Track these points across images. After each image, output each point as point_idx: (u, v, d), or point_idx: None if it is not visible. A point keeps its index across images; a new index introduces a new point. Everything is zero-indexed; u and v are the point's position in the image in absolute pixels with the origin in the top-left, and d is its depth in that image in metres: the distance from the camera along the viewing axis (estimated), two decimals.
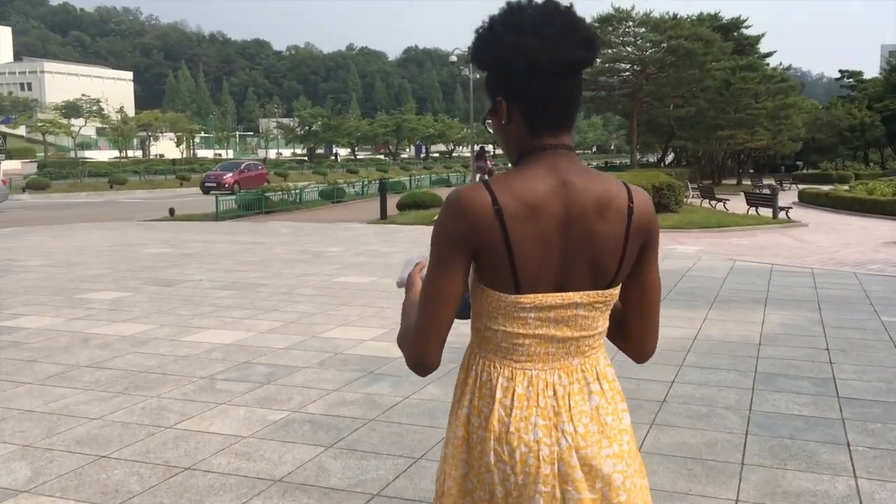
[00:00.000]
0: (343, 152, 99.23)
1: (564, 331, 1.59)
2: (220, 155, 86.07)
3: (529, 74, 1.53)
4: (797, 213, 24.53)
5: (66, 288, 9.57)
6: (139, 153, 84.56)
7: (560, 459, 1.55)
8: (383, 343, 6.64)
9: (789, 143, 44.08)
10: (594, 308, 1.60)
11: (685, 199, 25.97)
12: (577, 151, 67.64)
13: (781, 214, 23.47)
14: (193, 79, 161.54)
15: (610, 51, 38.17)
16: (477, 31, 1.60)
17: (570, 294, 1.57)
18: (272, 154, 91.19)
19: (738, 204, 28.35)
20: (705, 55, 36.96)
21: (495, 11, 1.60)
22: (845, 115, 54.22)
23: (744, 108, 39.58)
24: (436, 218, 1.59)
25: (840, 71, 78.01)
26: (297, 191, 25.01)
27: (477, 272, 1.59)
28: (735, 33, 46.51)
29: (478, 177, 28.99)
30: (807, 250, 16.18)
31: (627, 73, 40.86)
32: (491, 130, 1.68)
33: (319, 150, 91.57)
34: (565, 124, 1.60)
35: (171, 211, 21.67)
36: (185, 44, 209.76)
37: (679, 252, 14.71)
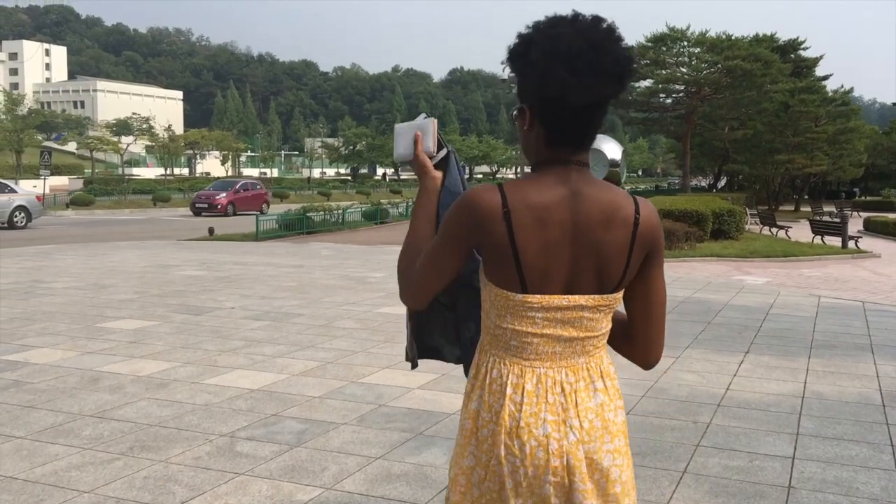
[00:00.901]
0: (388, 172, 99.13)
1: (570, 331, 1.67)
2: (265, 173, 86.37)
3: (558, 104, 1.61)
4: (865, 243, 23.10)
5: (88, 315, 8.81)
6: (185, 171, 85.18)
7: (568, 453, 1.63)
8: (434, 393, 5.70)
9: (850, 168, 42.31)
10: (598, 311, 1.68)
11: (745, 226, 24.68)
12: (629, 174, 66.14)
13: (850, 244, 22.10)
14: (241, 98, 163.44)
15: (664, 71, 37.03)
16: (518, 37, 1.66)
17: (577, 297, 1.65)
18: (316, 173, 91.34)
19: (800, 232, 26.95)
20: (763, 76, 35.58)
21: (541, 18, 1.67)
22: None
23: (803, 132, 38.04)
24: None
25: None
26: (340, 211, 24.28)
27: (485, 269, 1.69)
28: (792, 55, 45.01)
29: None
30: (890, 284, 14.89)
31: (681, 94, 39.57)
32: (515, 125, 1.76)
33: (363, 170, 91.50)
34: (583, 144, 1.68)
35: (211, 230, 21.06)
36: (234, 64, 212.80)
37: (749, 284, 13.56)
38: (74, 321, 8.42)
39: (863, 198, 51.43)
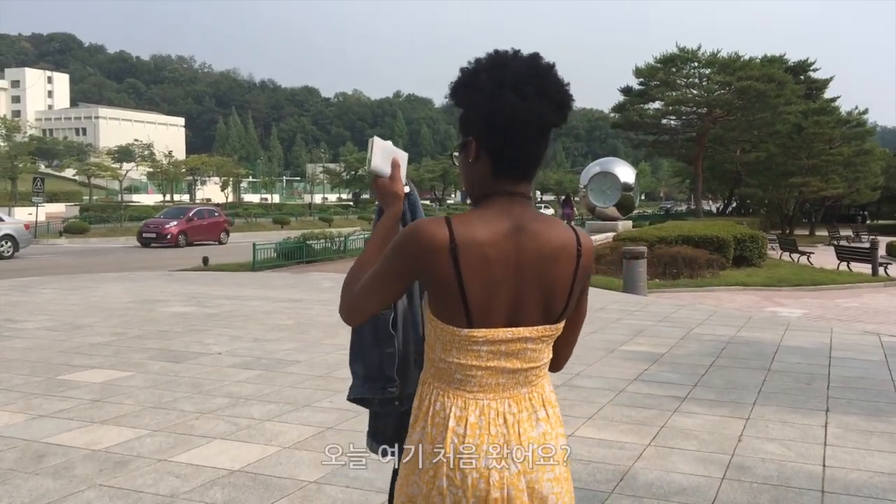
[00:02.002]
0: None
1: (514, 363, 1.71)
2: (265, 199, 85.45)
3: (505, 130, 1.67)
4: (893, 269, 21.92)
5: (53, 363, 7.66)
6: (186, 197, 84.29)
7: (509, 484, 1.65)
8: None
9: (866, 191, 41.22)
10: (542, 341, 1.74)
11: (767, 252, 23.54)
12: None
13: (880, 271, 20.95)
14: (243, 125, 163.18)
15: (674, 93, 36.06)
16: (462, 71, 1.72)
17: (521, 329, 1.70)
18: (318, 199, 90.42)
19: (822, 258, 25.79)
20: (777, 97, 34.65)
21: (482, 55, 1.73)
22: None
23: (817, 154, 37.02)
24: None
25: None
26: (342, 238, 23.15)
27: (430, 305, 1.71)
28: (802, 76, 44.15)
29: (566, 221, 27.24)
30: None
31: (692, 116, 38.56)
32: (456, 163, 1.83)
33: (365, 196, 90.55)
34: (527, 175, 1.74)
35: (205, 260, 19.94)
36: (237, 90, 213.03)
37: (785, 318, 12.41)
38: (35, 372, 7.27)
39: (875, 221, 50.29)
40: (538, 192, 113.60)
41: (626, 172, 25.01)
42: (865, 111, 40.05)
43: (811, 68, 45.05)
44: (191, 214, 32.24)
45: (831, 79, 46.29)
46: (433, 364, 1.74)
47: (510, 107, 1.63)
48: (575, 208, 34.77)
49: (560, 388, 6.66)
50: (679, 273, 18.95)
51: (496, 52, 1.70)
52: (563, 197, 36.10)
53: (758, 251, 21.85)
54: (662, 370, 7.46)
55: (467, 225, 1.64)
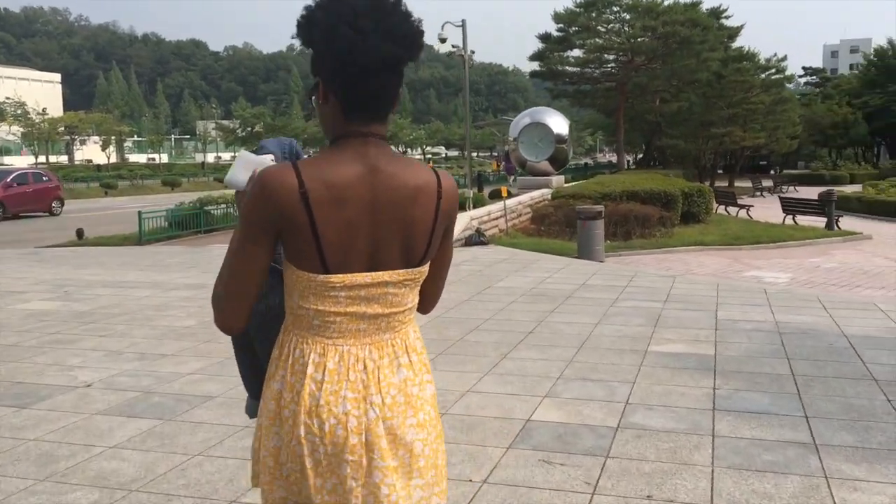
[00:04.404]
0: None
1: (375, 308, 1.66)
2: (153, 159, 79.84)
3: (341, 67, 1.59)
4: (843, 222, 20.75)
5: None
6: (64, 158, 77.79)
7: (367, 430, 1.62)
8: None
9: (786, 140, 40.55)
10: (404, 285, 1.69)
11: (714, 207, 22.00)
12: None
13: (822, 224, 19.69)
14: (126, 81, 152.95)
15: (598, 40, 34.04)
16: (305, 7, 1.63)
17: (380, 273, 1.65)
18: (210, 158, 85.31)
19: (761, 211, 24.55)
20: (702, 43, 33.06)
21: None
22: (826, 112, 51.16)
23: (738, 103, 35.92)
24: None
25: (803, 68, 75.90)
26: None
27: (286, 253, 1.64)
28: (715, 24, 42.92)
29: (511, 178, 24.81)
30: None
31: (612, 67, 36.65)
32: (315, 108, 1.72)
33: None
34: (378, 115, 1.66)
35: (80, 233, 16.64)
36: (117, 44, 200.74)
37: (779, 285, 10.59)
38: None
39: (789, 171, 50.24)
40: (443, 148, 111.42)
41: (558, 123, 22.86)
42: (784, 58, 39.30)
43: (724, 15, 43.87)
44: (9, 179, 26.06)
45: (742, 26, 45.36)
46: (292, 311, 1.70)
47: (347, 43, 1.57)
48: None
49: (624, 431, 4.39)
50: (631, 233, 17.05)
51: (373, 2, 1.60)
52: (495, 153, 33.86)
53: (705, 206, 20.25)
54: (739, 389, 5.28)
55: (317, 168, 1.59)
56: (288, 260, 1.65)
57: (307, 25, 1.61)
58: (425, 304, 1.87)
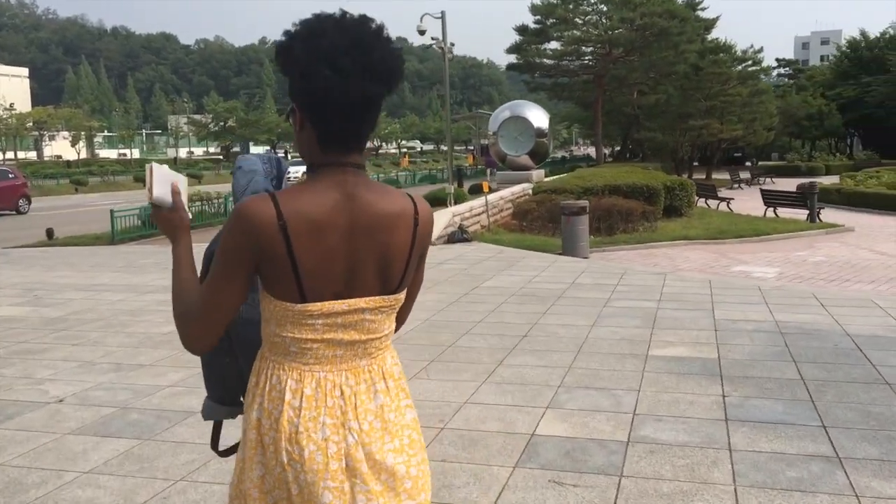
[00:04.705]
0: (259, 150, 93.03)
1: (352, 334, 1.65)
2: (124, 155, 78.62)
3: (319, 104, 1.58)
4: (825, 214, 20.73)
5: None
6: (33, 154, 76.39)
7: (348, 455, 1.62)
8: None
9: (763, 132, 40.59)
10: (380, 312, 1.68)
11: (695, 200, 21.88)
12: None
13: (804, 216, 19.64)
14: (95, 75, 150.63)
15: (575, 32, 33.79)
16: (284, 33, 1.60)
17: (356, 300, 1.64)
18: (183, 153, 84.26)
19: (741, 203, 24.50)
20: (680, 35, 32.94)
21: (306, 16, 1.61)
22: (801, 104, 51.41)
23: (715, 96, 35.88)
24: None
25: (777, 60, 76.25)
26: (220, 199, 19.73)
27: (263, 282, 1.63)
28: (692, 15, 42.88)
29: (489, 172, 24.62)
30: None
31: (589, 59, 36.41)
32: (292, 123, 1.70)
33: (236, 149, 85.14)
34: (355, 146, 1.65)
35: (49, 232, 16.11)
36: (86, 38, 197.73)
37: (768, 280, 10.42)
38: None
39: (764, 163, 50.41)
40: (418, 142, 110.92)
41: (538, 117, 22.59)
42: (760, 49, 39.35)
43: (699, 7, 43.85)
44: None
45: (717, 18, 45.39)
46: (268, 339, 1.68)
47: (325, 83, 1.54)
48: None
49: (636, 446, 4.14)
50: (614, 227, 16.85)
51: (317, 17, 1.60)
52: (471, 146, 33.20)
53: (687, 200, 20.11)
54: (749, 396, 5.05)
55: (295, 199, 1.58)
56: (265, 289, 1.64)
57: (285, 57, 1.59)
58: (397, 326, 1.88)
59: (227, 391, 2.05)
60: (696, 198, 24.81)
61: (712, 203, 24.80)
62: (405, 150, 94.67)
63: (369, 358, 1.69)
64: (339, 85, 1.53)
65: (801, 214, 19.96)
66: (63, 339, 7.05)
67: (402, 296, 1.72)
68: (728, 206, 23.73)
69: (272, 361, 1.66)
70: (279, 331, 1.63)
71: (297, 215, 1.55)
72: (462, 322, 7.41)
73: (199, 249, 1.72)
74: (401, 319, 1.86)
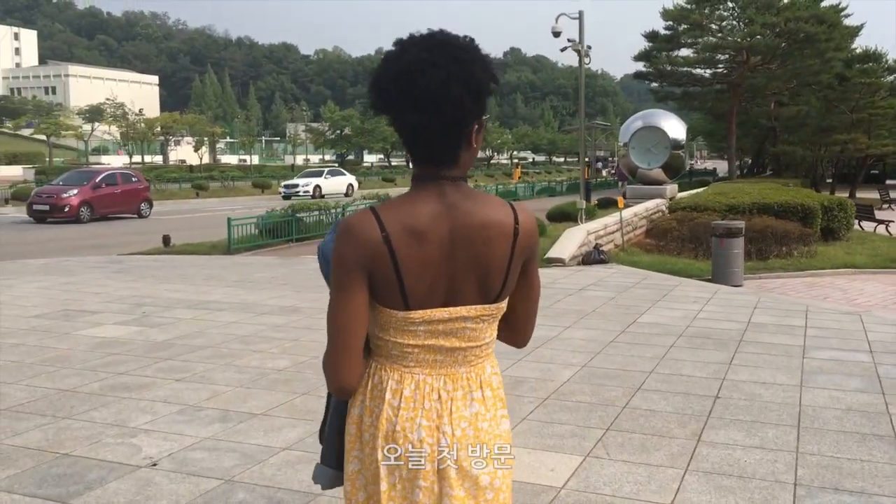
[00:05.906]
0: (373, 159, 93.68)
1: (453, 341, 1.68)
2: (244, 161, 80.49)
3: (415, 139, 1.64)
4: None
5: None
6: (159, 158, 79.20)
7: (439, 458, 1.64)
8: None
9: None
10: (482, 321, 1.70)
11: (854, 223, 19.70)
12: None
13: None
14: (220, 83, 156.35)
15: (710, 38, 31.69)
16: (374, 76, 1.63)
17: (458, 308, 1.66)
18: (300, 160, 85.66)
19: None
20: (827, 41, 30.36)
21: (391, 48, 1.62)
22: None
23: (863, 108, 32.95)
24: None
25: None
26: (339, 209, 18.99)
27: (369, 291, 1.66)
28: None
29: (620, 184, 23.39)
30: None
31: (722, 68, 34.13)
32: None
33: (350, 157, 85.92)
34: (450, 161, 1.66)
35: (166, 240, 15.66)
36: (212, 48, 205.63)
37: None
38: None
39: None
40: (530, 152, 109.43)
41: (674, 127, 20.91)
42: None
43: (843, 13, 40.72)
44: (98, 180, 24.93)
45: (862, 25, 42.07)
46: (372, 341, 1.72)
47: (416, 123, 1.60)
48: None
49: None
50: (766, 251, 15.07)
51: (400, 49, 1.61)
52: (598, 161, 31.54)
53: (846, 222, 18.02)
54: None
55: (395, 212, 1.62)
56: (371, 297, 1.66)
57: (376, 99, 1.63)
58: (518, 338, 1.87)
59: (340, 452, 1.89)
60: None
61: (866, 225, 22.42)
62: (517, 160, 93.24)
63: (468, 366, 1.71)
64: (430, 124, 1.58)
65: None
66: (166, 371, 6.13)
67: (503, 304, 1.72)
68: (887, 229, 21.35)
69: (375, 361, 1.71)
70: (382, 334, 1.68)
71: (399, 226, 1.60)
72: (630, 372, 6.09)
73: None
74: (525, 332, 1.85)
